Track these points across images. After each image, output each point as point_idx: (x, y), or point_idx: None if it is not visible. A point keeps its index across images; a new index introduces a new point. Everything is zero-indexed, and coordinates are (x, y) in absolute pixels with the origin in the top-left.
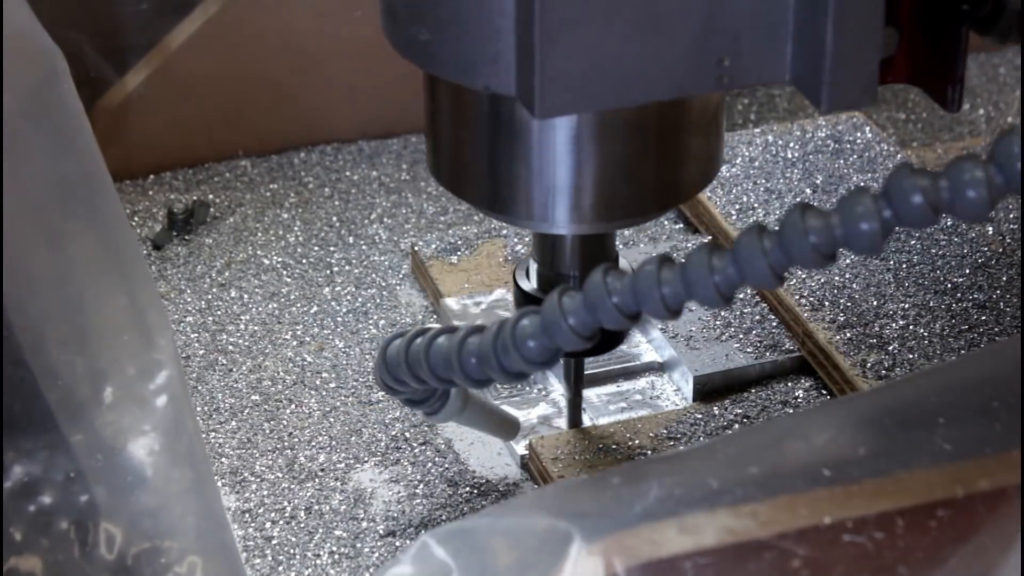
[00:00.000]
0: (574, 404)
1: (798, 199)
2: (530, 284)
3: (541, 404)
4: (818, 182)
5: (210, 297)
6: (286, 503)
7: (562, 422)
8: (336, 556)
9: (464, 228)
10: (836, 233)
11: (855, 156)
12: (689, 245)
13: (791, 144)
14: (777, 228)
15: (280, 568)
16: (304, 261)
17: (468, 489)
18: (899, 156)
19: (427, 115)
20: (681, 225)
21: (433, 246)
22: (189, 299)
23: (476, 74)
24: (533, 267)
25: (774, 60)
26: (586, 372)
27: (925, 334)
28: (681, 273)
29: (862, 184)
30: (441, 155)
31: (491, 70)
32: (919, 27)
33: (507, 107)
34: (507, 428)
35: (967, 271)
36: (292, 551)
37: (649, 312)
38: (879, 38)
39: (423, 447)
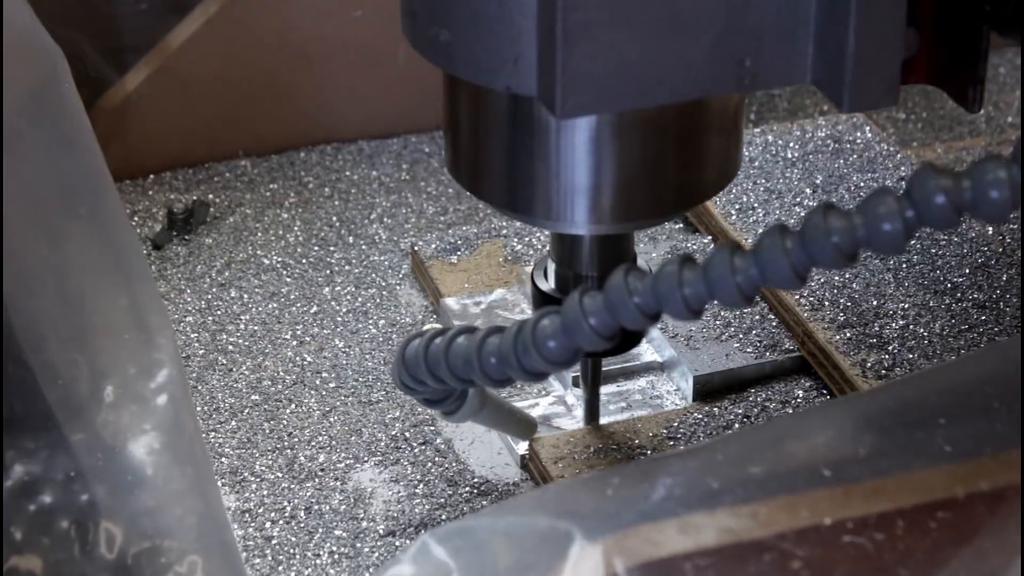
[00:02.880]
0: (591, 404)
1: (798, 199)
2: (548, 284)
3: (541, 404)
4: (818, 182)
5: (210, 297)
6: (286, 503)
7: (562, 422)
8: (336, 556)
9: (464, 228)
10: (859, 233)
11: (855, 156)
12: (689, 245)
13: (791, 144)
14: (799, 229)
15: (280, 568)
16: (304, 261)
17: (468, 489)
18: (899, 156)
19: (446, 115)
20: (681, 225)
21: (433, 246)
22: (189, 299)
23: (497, 75)
24: (551, 267)
25: (796, 61)
26: None
27: (925, 334)
28: (703, 274)
29: (861, 184)
30: (460, 155)
31: (512, 71)
32: (940, 27)
33: (527, 107)
34: (525, 427)
35: (967, 271)
36: (292, 551)
37: (671, 313)
38: (901, 39)
39: (423, 447)
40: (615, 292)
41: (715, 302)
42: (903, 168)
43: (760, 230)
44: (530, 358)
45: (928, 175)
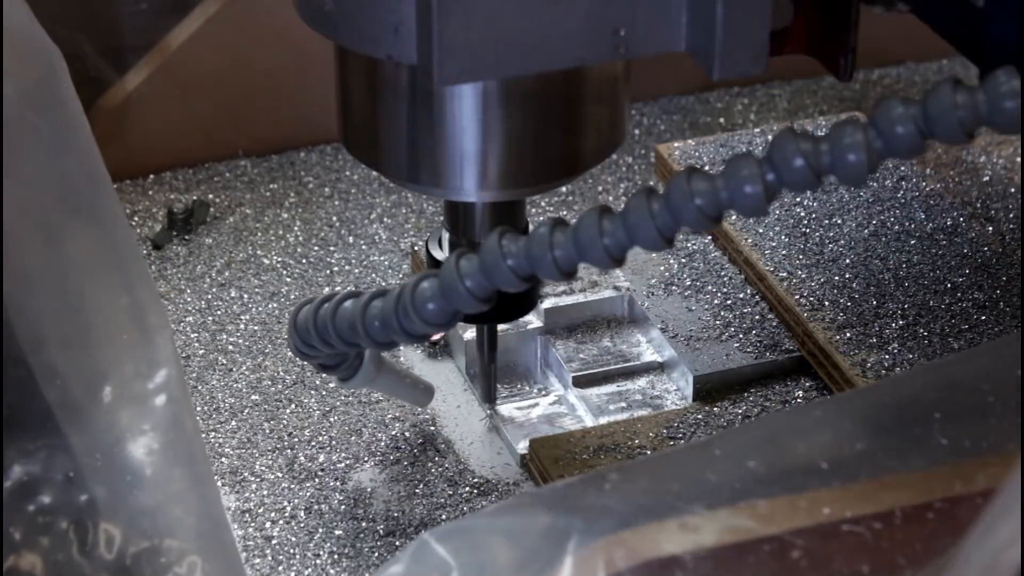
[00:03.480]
0: (487, 373)
1: (797, 199)
2: (442, 253)
3: (542, 404)
4: None
5: (210, 297)
6: (286, 503)
7: (563, 422)
8: (336, 556)
9: None
10: (721, 196)
11: None
12: (690, 245)
13: None
14: (663, 192)
15: (280, 568)
16: (304, 261)
17: (468, 489)
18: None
19: (337, 86)
20: None
21: None
22: (189, 299)
23: (379, 44)
24: (445, 236)
25: (670, 30)
26: (586, 372)
27: (925, 334)
28: (573, 236)
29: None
30: (352, 127)
31: (393, 40)
32: (814, 0)
33: (413, 76)
34: (422, 394)
35: (967, 271)
36: (292, 551)
37: (542, 275)
38: (768, 9)
39: (423, 447)
40: (489, 255)
41: (586, 265)
42: (903, 168)
43: (760, 230)
44: (410, 321)
45: (788, 138)
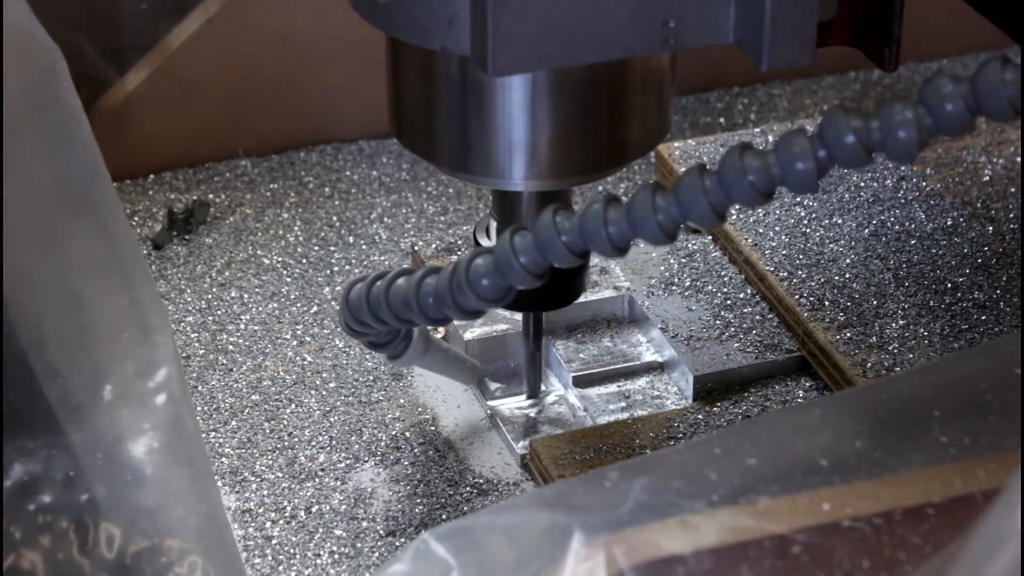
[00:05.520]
0: (534, 361)
1: (798, 199)
2: (489, 241)
3: (541, 404)
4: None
5: (210, 297)
6: (286, 503)
7: (564, 422)
8: (336, 556)
9: (464, 228)
10: (773, 172)
11: None
12: (690, 245)
13: None
14: (716, 168)
15: (280, 568)
16: (304, 261)
17: (468, 489)
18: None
19: (389, 77)
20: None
21: (433, 246)
22: (189, 299)
23: (433, 35)
24: (493, 225)
25: (718, 22)
26: (586, 372)
27: (925, 334)
28: (627, 212)
29: (862, 184)
30: (404, 116)
31: (447, 31)
32: None
33: (465, 67)
34: (468, 372)
35: (967, 271)
36: (292, 551)
37: (596, 250)
38: (816, 1)
39: (423, 447)
40: (544, 231)
41: (640, 241)
42: (903, 168)
43: (760, 230)
44: (464, 296)
45: (839, 115)
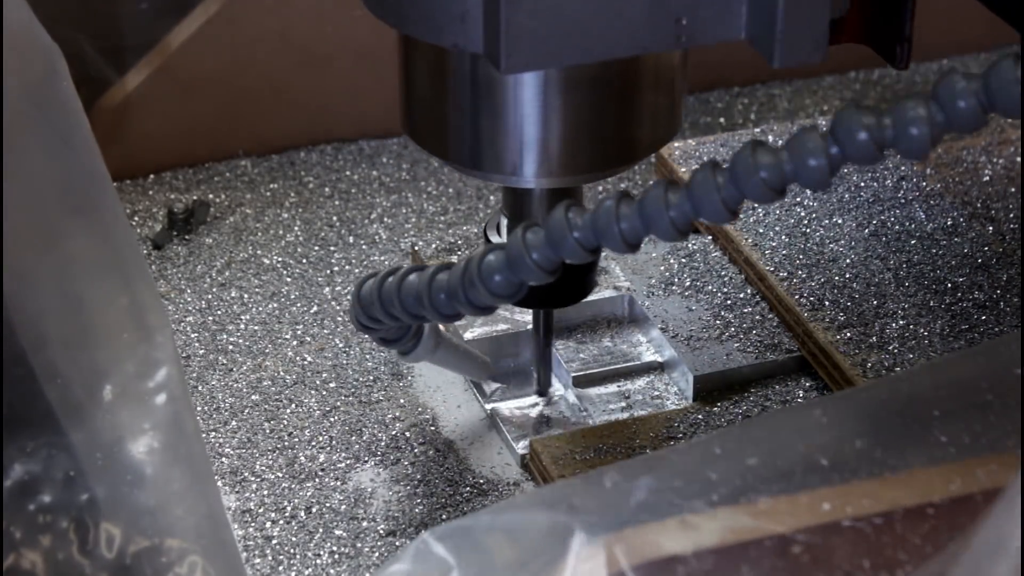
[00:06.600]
0: (544, 358)
1: (798, 199)
2: (500, 238)
3: (541, 404)
4: None
5: (210, 297)
6: (286, 503)
7: (564, 422)
8: (336, 556)
9: (464, 228)
10: (786, 169)
11: None
12: (690, 245)
13: None
14: (728, 165)
15: (280, 568)
16: (304, 261)
17: (468, 489)
18: (898, 156)
19: (401, 74)
20: None
21: (433, 246)
22: (189, 299)
23: (445, 32)
24: (503, 222)
25: (730, 19)
26: (586, 372)
27: (925, 334)
28: (639, 208)
29: (862, 184)
30: (415, 113)
31: (459, 28)
32: None
33: (477, 65)
34: (480, 367)
35: (967, 271)
36: (292, 551)
37: (609, 246)
38: None
39: (423, 447)
40: (556, 227)
41: (652, 238)
42: (903, 168)
43: (760, 230)
44: (477, 292)
45: (851, 112)
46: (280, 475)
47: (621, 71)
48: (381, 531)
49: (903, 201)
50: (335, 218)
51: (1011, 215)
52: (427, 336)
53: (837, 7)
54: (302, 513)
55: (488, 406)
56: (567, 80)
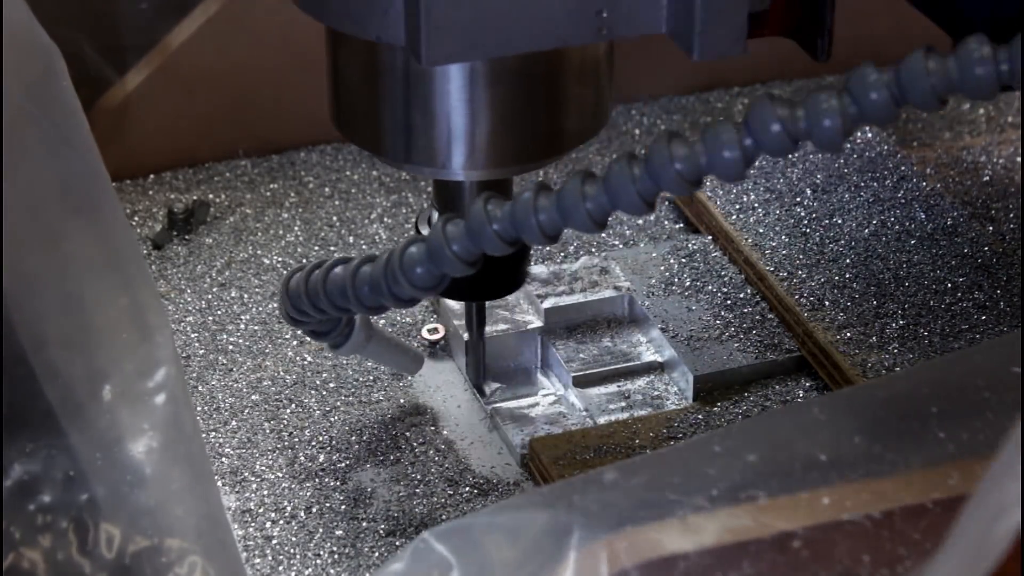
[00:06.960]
0: (476, 349)
1: (798, 199)
2: None
3: (542, 404)
4: (818, 182)
5: (210, 297)
6: (286, 503)
7: (564, 422)
8: (336, 556)
9: None
10: (700, 161)
11: (855, 156)
12: (690, 245)
13: None
14: (644, 156)
15: (280, 568)
16: (304, 261)
17: (468, 489)
18: (899, 156)
19: (329, 67)
20: (681, 225)
21: None
22: (189, 299)
23: (368, 25)
24: (434, 215)
25: (650, 12)
26: (586, 372)
27: (925, 334)
28: (556, 201)
29: (862, 184)
30: (343, 107)
31: (382, 21)
32: None
33: (404, 58)
34: (411, 361)
35: (967, 271)
36: (292, 551)
37: (527, 239)
38: None
39: (423, 447)
40: (475, 219)
41: (571, 230)
42: (903, 167)
43: (760, 230)
44: (399, 285)
45: (764, 104)
46: (280, 475)
47: (546, 63)
48: (381, 531)
49: (903, 201)
50: (335, 218)
51: (1011, 215)
52: (358, 329)
53: (756, 1)
54: (302, 513)
55: (488, 406)
56: (493, 72)
